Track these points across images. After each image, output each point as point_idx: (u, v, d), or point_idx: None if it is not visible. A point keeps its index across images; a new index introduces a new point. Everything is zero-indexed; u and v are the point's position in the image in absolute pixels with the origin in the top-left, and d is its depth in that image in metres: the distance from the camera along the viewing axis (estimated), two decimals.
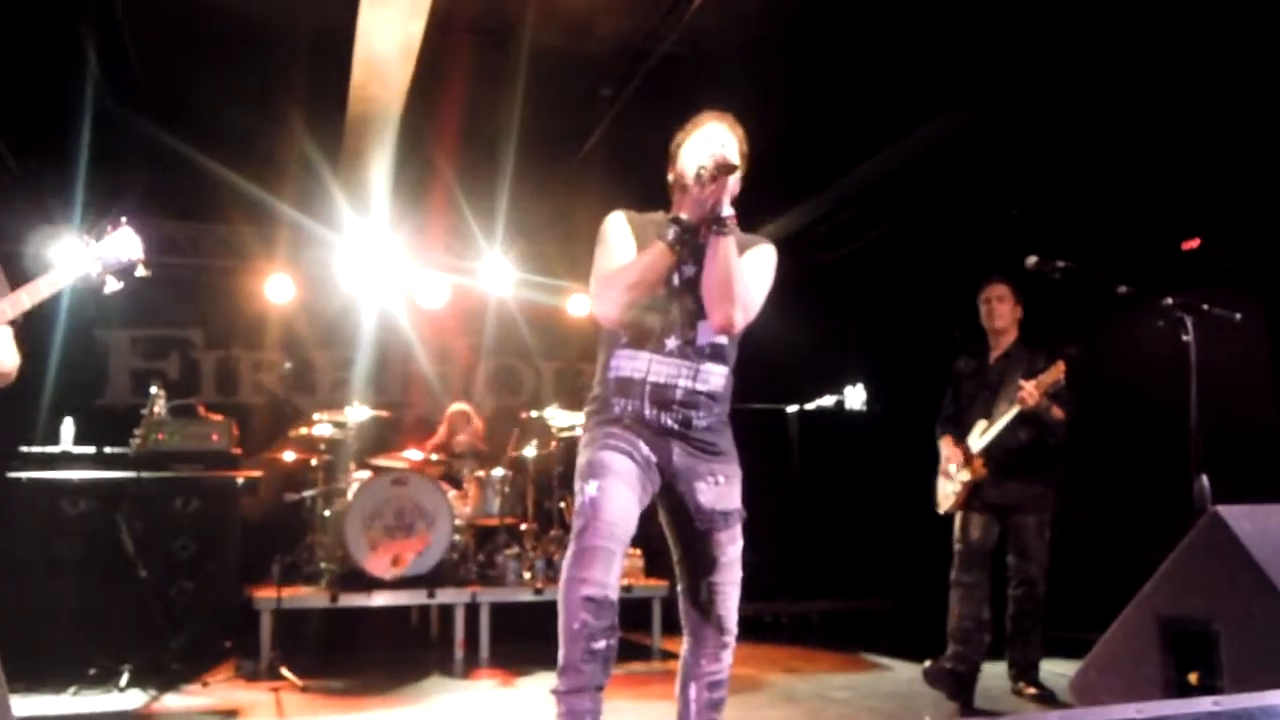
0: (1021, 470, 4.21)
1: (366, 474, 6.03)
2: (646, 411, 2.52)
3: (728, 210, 2.49)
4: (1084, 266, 3.72)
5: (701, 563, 2.57)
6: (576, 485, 2.51)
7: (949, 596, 4.23)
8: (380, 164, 5.66)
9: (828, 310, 7.43)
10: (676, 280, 2.56)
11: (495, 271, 7.13)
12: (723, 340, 2.57)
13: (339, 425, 6.06)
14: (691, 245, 2.53)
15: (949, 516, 4.34)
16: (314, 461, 6.06)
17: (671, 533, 2.66)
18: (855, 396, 7.64)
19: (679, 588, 2.67)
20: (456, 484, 6.20)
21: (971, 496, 4.26)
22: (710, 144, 2.57)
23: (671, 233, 2.47)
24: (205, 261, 6.99)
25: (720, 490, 2.56)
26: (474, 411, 6.69)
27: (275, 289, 7.02)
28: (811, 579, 6.72)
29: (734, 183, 2.53)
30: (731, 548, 2.57)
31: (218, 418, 5.50)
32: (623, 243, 2.58)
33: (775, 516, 6.49)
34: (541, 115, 5.44)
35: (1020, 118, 5.26)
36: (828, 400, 7.41)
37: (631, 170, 4.52)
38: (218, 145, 5.60)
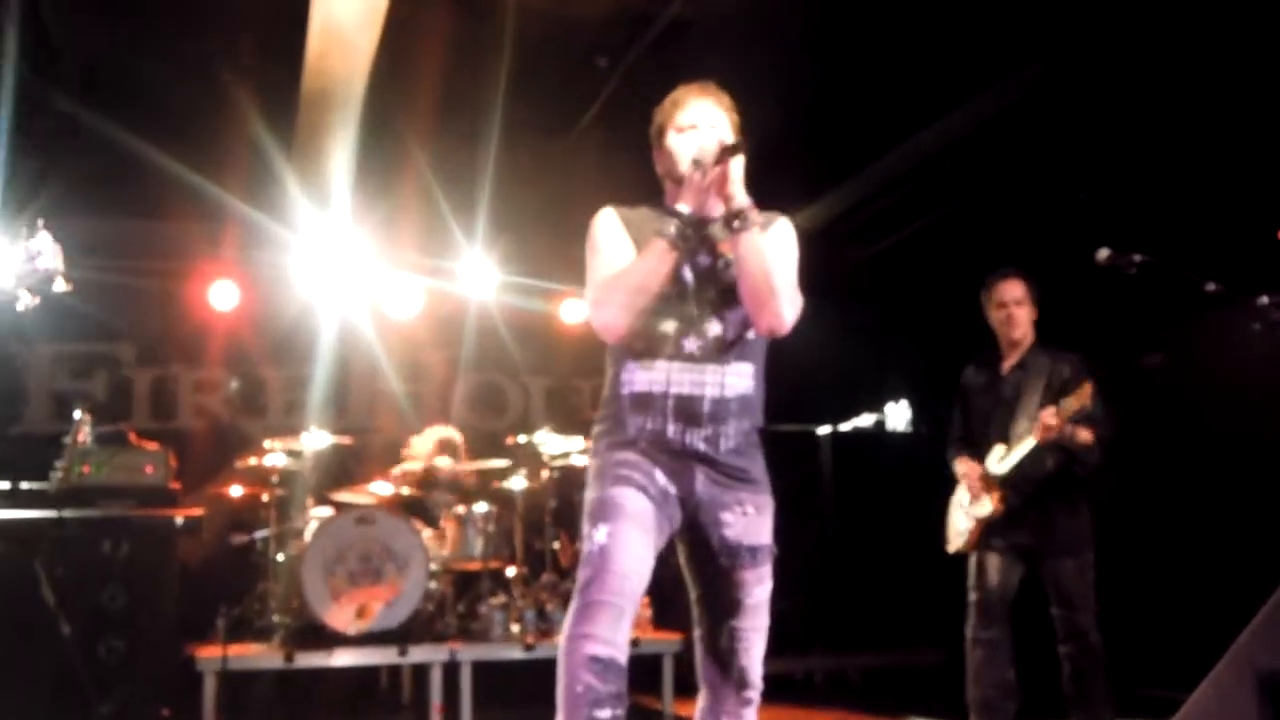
0: (1052, 504, 4.17)
1: (327, 511, 6.03)
2: (669, 430, 2.56)
3: (743, 198, 2.53)
4: (1165, 261, 3.71)
5: (723, 604, 2.60)
6: (584, 528, 2.54)
7: (966, 658, 4.20)
8: (341, 149, 5.68)
9: (864, 314, 7.42)
10: (688, 273, 2.61)
11: (476, 273, 7.14)
12: (750, 334, 2.62)
13: (294, 454, 6.06)
14: (697, 236, 2.59)
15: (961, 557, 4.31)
16: (265, 497, 6.07)
17: (690, 569, 2.69)
18: (898, 415, 7.63)
19: (695, 634, 2.68)
20: (432, 522, 6.20)
21: (988, 534, 4.22)
22: (698, 128, 2.64)
23: (672, 229, 2.52)
24: (138, 264, 6.99)
25: (749, 522, 2.60)
26: (458, 436, 6.66)
27: (219, 296, 7.04)
28: (849, 629, 6.70)
29: (739, 163, 2.56)
30: (758, 588, 2.60)
31: (152, 446, 5.50)
32: (617, 244, 2.64)
33: (806, 556, 6.47)
34: (528, 90, 5.45)
35: (1089, 89, 5.26)
36: (865, 420, 7.42)
37: (633, 152, 4.52)
38: (152, 128, 5.62)
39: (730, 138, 2.59)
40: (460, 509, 6.14)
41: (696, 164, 2.53)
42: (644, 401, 2.58)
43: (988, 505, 4.21)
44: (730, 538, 2.58)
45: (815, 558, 6.67)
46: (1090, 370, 4.19)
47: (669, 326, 2.58)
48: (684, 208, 2.54)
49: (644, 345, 2.59)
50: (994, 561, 4.19)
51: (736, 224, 2.53)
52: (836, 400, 7.36)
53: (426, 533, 5.96)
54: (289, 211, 6.52)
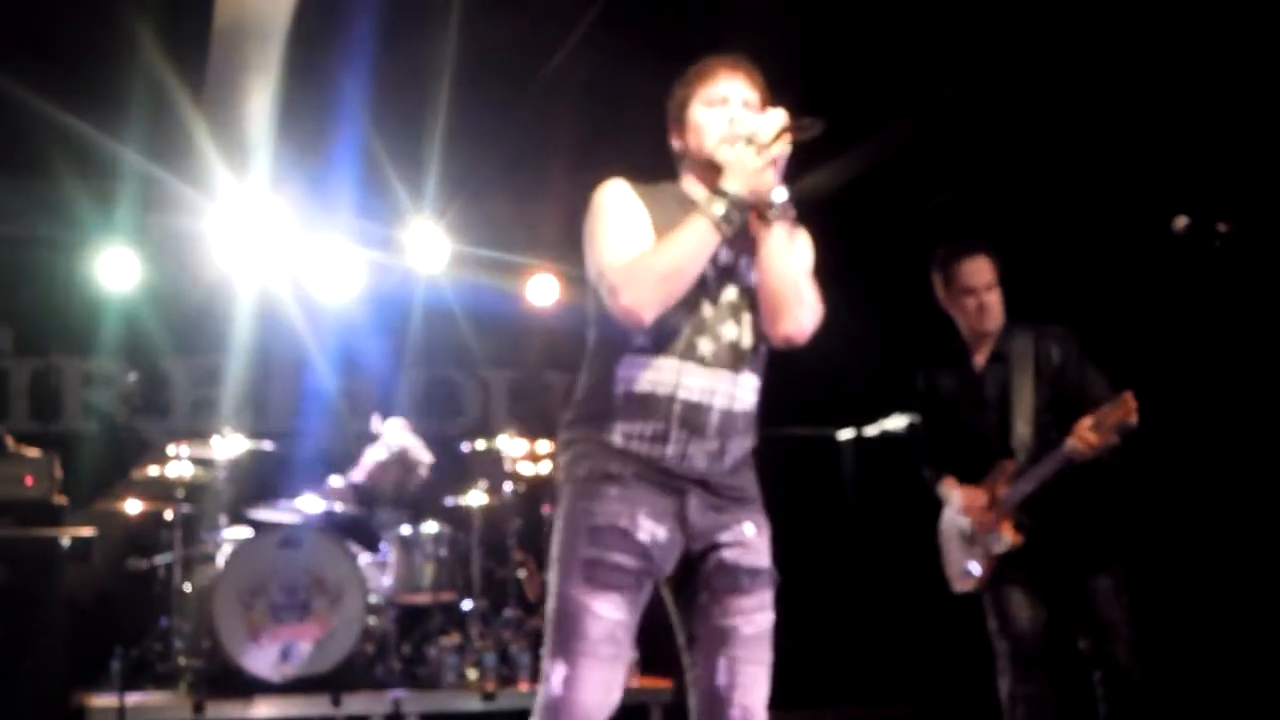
0: (1078, 515, 4.13)
1: (244, 532, 6.04)
2: (670, 441, 2.66)
3: (782, 191, 2.67)
4: (1259, 230, 3.72)
5: (719, 634, 2.69)
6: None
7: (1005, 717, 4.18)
8: (262, 94, 5.66)
9: (892, 298, 7.45)
10: (709, 266, 2.70)
11: (424, 244, 7.14)
12: (764, 343, 2.78)
13: (204, 463, 6.09)
14: (743, 220, 2.69)
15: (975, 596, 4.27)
16: (169, 515, 6.09)
17: (679, 606, 2.77)
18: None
19: (688, 678, 2.74)
20: (372, 545, 6.21)
21: (1006, 566, 4.16)
22: (729, 102, 2.77)
23: (721, 207, 2.61)
24: (13, 231, 6.98)
25: (748, 544, 2.72)
26: (418, 445, 6.63)
27: (113, 271, 7.02)
28: (884, 676, 6.70)
29: (785, 150, 2.66)
30: (759, 616, 2.70)
31: (33, 453, 5.50)
32: (634, 217, 2.73)
33: (822, 585, 6.52)
34: (486, 25, 5.44)
35: (1158, 24, 5.29)
36: (894, 421, 7.45)
37: (617, 100, 4.53)
38: (32, 68, 5.59)
39: (779, 113, 2.67)
40: (406, 529, 6.15)
41: (750, 140, 2.63)
42: (644, 404, 2.66)
43: (1004, 538, 4.13)
44: (728, 560, 2.69)
45: (833, 586, 6.70)
46: (1078, 341, 4.17)
47: (681, 322, 2.68)
48: (733, 188, 2.63)
49: (651, 339, 2.67)
50: (1017, 599, 4.15)
51: (773, 213, 2.66)
52: (859, 398, 7.39)
53: (365, 558, 5.98)
54: (199, 170, 6.47)
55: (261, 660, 5.47)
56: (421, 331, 7.62)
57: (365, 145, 6.33)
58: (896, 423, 7.47)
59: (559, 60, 5.78)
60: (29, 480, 5.37)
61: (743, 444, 2.74)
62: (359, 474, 6.54)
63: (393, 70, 5.89)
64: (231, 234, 6.85)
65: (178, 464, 6.03)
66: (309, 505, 6.22)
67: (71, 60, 5.71)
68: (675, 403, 2.65)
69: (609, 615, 2.58)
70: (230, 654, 5.45)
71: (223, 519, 6.09)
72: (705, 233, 2.61)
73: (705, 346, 2.68)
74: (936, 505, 6.87)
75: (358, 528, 6.33)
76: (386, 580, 6.05)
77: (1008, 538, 4.14)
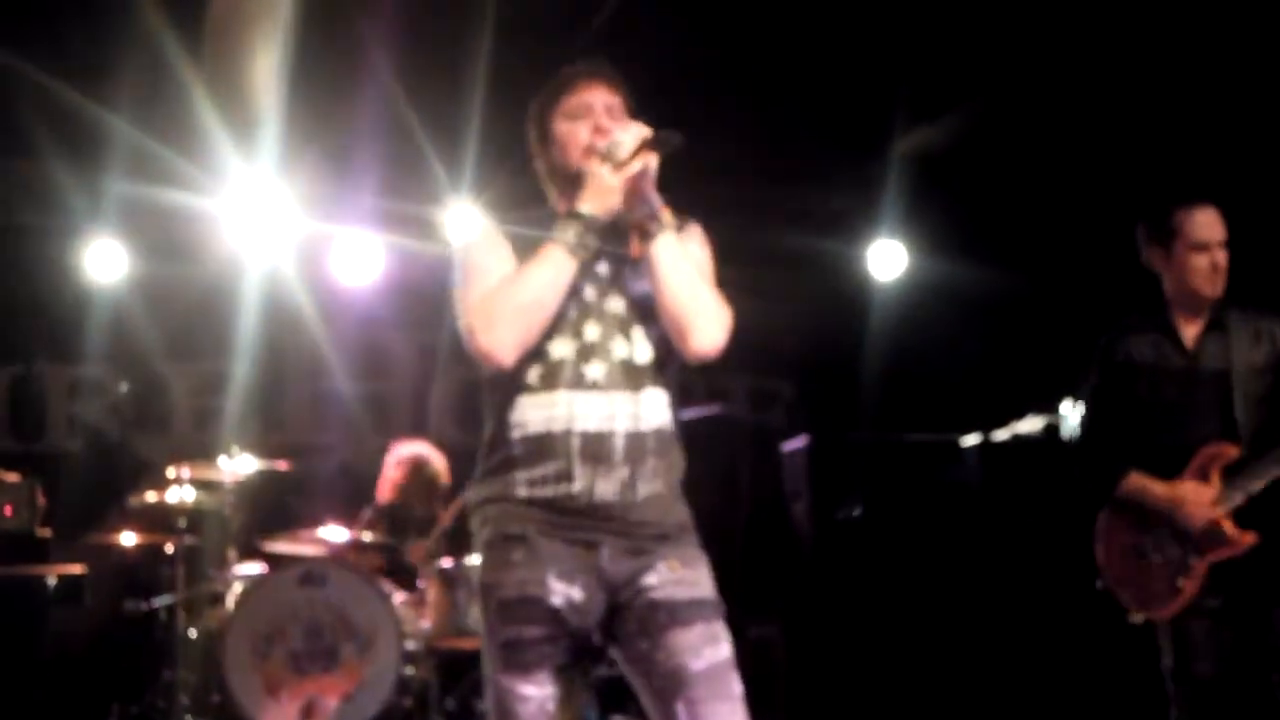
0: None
1: (257, 568, 6.10)
2: (575, 478, 2.82)
3: (657, 201, 2.91)
4: None
5: (669, 679, 2.83)
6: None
7: None
8: (274, 57, 5.74)
9: (1023, 278, 7.42)
10: (587, 286, 2.94)
11: (462, 226, 7.16)
12: (665, 355, 2.96)
13: (209, 487, 6.13)
14: (600, 241, 2.92)
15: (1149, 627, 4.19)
16: (170, 548, 6.13)
17: (624, 658, 2.93)
18: (1077, 414, 7.63)
19: None
20: (408, 582, 6.25)
21: (1201, 592, 4.06)
22: (593, 113, 2.99)
23: (571, 233, 2.85)
24: None
25: (678, 577, 2.87)
26: (437, 457, 6.74)
27: (102, 262, 7.11)
28: (1015, 708, 6.67)
29: (653, 164, 2.89)
30: (709, 649, 2.83)
31: (12, 477, 5.58)
32: (493, 256, 2.97)
33: (946, 611, 6.56)
34: None
35: None
36: (1030, 424, 7.41)
37: (666, 57, 4.57)
38: (8, 32, 5.65)
39: (639, 128, 2.88)
40: (447, 562, 6.18)
41: (606, 157, 2.85)
42: (542, 446, 2.84)
43: (1230, 541, 4.01)
44: (659, 598, 2.84)
45: (956, 611, 6.68)
46: None
47: (565, 350, 2.88)
48: (586, 209, 2.86)
49: (537, 376, 2.87)
50: (1203, 631, 4.06)
51: (652, 228, 2.88)
52: (987, 398, 7.37)
53: (400, 597, 6.02)
54: (200, 144, 6.53)
55: (280, 717, 5.51)
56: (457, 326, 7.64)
57: (392, 113, 6.36)
58: (1030, 425, 7.43)
59: (604, 15, 5.82)
60: (8, 510, 5.42)
61: (659, 468, 2.90)
62: (383, 497, 6.60)
63: (425, 25, 5.94)
64: (238, 217, 6.93)
65: (179, 488, 6.05)
66: (333, 535, 6.24)
67: (54, 20, 5.77)
68: (573, 436, 2.82)
69: (535, 693, 2.81)
70: (244, 711, 5.48)
71: (232, 553, 6.12)
72: (558, 261, 2.84)
73: (595, 370, 2.86)
74: (1080, 521, 6.86)
75: (391, 561, 6.36)
76: (425, 623, 6.06)
77: (1235, 540, 4.02)
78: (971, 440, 7.28)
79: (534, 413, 2.84)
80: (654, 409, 2.91)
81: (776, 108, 6.82)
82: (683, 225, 3.02)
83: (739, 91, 6.65)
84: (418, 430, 7.27)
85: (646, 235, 2.87)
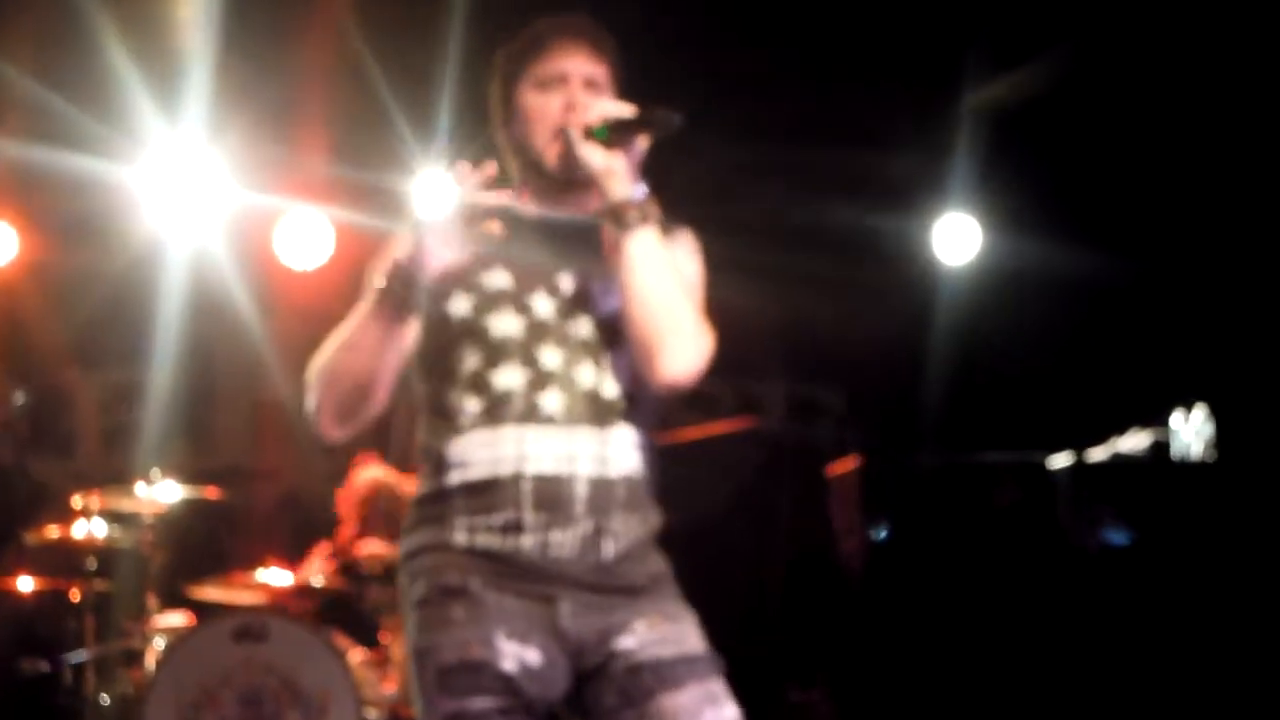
0: None
1: (182, 619, 6.10)
2: (525, 532, 2.79)
3: (636, 189, 2.88)
4: None
5: None
6: None
7: None
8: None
9: (1121, 259, 7.43)
10: (543, 301, 2.90)
11: (434, 198, 7.18)
12: (638, 387, 2.91)
13: (123, 520, 6.14)
14: (564, 248, 2.95)
15: None
16: (76, 595, 6.13)
17: None
18: (1190, 430, 7.64)
19: None
20: (368, 636, 6.27)
21: None
22: (569, 82, 2.97)
23: (384, 275, 2.86)
24: None
25: (663, 633, 2.84)
26: (404, 484, 6.76)
27: None
28: None
29: (641, 147, 2.90)
30: (710, 712, 2.82)
31: None
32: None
33: (1033, 688, 6.55)
34: None
35: None
36: (1134, 441, 7.43)
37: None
38: None
39: (620, 105, 2.89)
40: None
41: (586, 135, 2.84)
42: (484, 493, 2.80)
43: None
44: (643, 659, 2.80)
45: (1046, 692, 6.71)
46: None
47: (514, 379, 2.84)
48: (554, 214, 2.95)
49: (479, 408, 2.84)
50: None
51: (630, 217, 2.84)
52: (1081, 409, 7.38)
53: (358, 655, 6.04)
54: (112, 99, 6.53)
55: None
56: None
57: (347, 61, 6.38)
58: (1135, 443, 7.45)
59: None
60: None
61: (628, 520, 2.86)
62: (338, 532, 6.62)
63: None
64: (158, 189, 6.92)
65: (86, 522, 6.05)
66: (276, 579, 6.25)
67: None
68: (524, 480, 2.78)
69: None
70: None
71: (152, 601, 6.10)
72: (368, 316, 2.89)
73: (552, 402, 2.82)
74: (1197, 557, 6.86)
75: (345, 610, 6.38)
76: (388, 686, 6.10)
77: None
78: (1061, 461, 7.28)
79: (475, 451, 2.82)
80: (624, 452, 2.88)
81: (820, 50, 6.80)
82: (670, 230, 2.99)
83: (773, 30, 6.61)
84: (381, 450, 7.28)
85: (622, 225, 2.83)
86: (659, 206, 2.87)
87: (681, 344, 2.82)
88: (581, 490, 2.80)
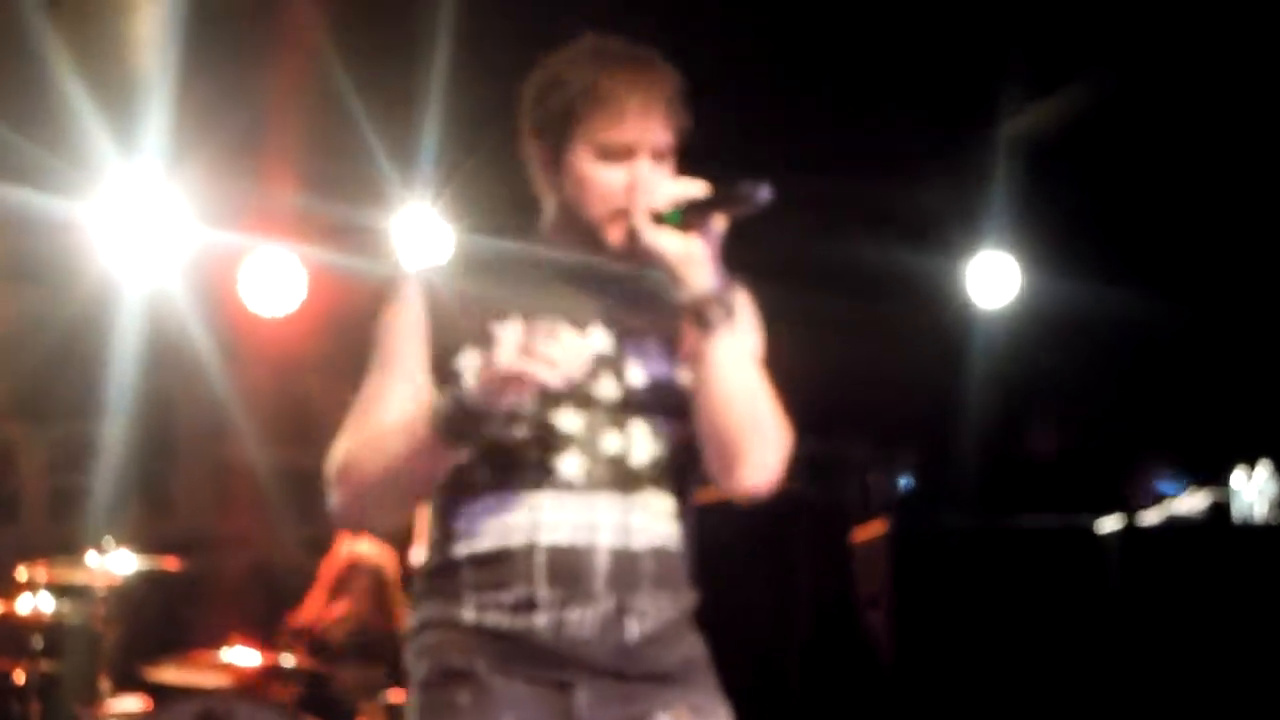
0: None
1: (138, 703, 6.08)
2: (538, 615, 2.71)
3: (716, 279, 2.74)
4: None
5: None
6: None
7: None
8: (156, 16, 5.80)
9: (1172, 302, 7.44)
10: (569, 351, 2.70)
11: (417, 237, 7.21)
12: (672, 454, 2.84)
13: (73, 593, 6.15)
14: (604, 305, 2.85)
15: None
16: (20, 677, 6.11)
17: None
18: (1253, 490, 7.63)
19: None
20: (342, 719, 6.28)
21: None
22: (636, 155, 2.81)
23: (453, 404, 2.64)
24: None
25: None
26: (388, 557, 6.75)
27: None
28: None
29: (720, 229, 2.77)
30: None
31: None
32: (406, 353, 2.86)
33: None
34: None
35: None
36: (1192, 502, 7.43)
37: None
38: None
39: (693, 184, 2.75)
40: (391, 696, 6.20)
41: (658, 220, 2.71)
42: (497, 565, 2.73)
43: None
44: None
45: None
46: None
47: (527, 443, 2.75)
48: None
49: (489, 469, 2.76)
50: None
51: (714, 315, 2.71)
52: (1131, 467, 7.39)
53: None
54: (64, 130, 6.53)
55: None
56: None
57: (321, 88, 6.41)
58: (1191, 504, 7.44)
59: None
60: None
61: (656, 599, 2.79)
62: (313, 608, 6.62)
63: None
64: (113, 226, 6.93)
65: (32, 596, 6.04)
66: (242, 658, 6.23)
67: None
68: (536, 551, 2.71)
69: None
70: None
71: (105, 683, 6.08)
72: (405, 422, 2.73)
73: (569, 467, 2.74)
74: (1263, 632, 6.83)
75: (319, 694, 6.38)
76: None
77: None
78: (1110, 525, 7.28)
79: (485, 521, 2.76)
80: (653, 519, 2.80)
81: (842, 74, 6.80)
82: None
83: (790, 55, 6.62)
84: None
85: (705, 324, 2.70)
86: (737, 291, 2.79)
87: (764, 452, 2.77)
88: (602, 563, 2.72)
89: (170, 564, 6.44)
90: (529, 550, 2.70)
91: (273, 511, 7.67)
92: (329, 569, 6.71)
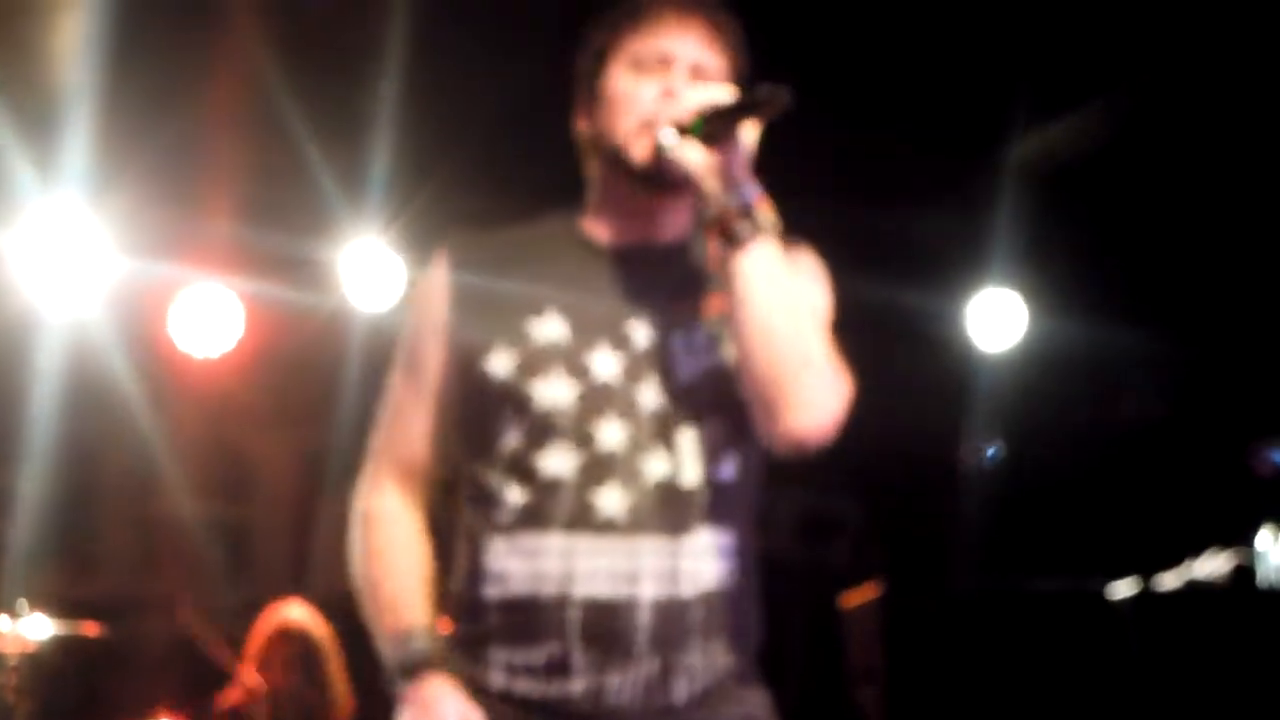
0: None
1: None
2: (574, 680, 2.66)
3: (746, 191, 2.69)
4: None
5: None
6: None
7: None
8: (77, 29, 5.83)
9: (1195, 345, 7.48)
10: (606, 349, 2.76)
11: (366, 271, 7.28)
12: (731, 469, 2.81)
13: None
14: (640, 287, 2.83)
15: None
16: None
17: None
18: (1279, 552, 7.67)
19: None
20: None
21: None
22: (672, 67, 2.83)
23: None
24: None
25: None
26: (319, 625, 6.77)
27: None
28: None
29: (750, 138, 2.72)
30: None
31: None
32: (434, 353, 2.89)
33: None
34: None
35: None
36: (1211, 564, 7.47)
37: None
38: None
39: (715, 89, 2.74)
40: None
41: (664, 148, 2.70)
42: (526, 615, 2.69)
43: None
44: None
45: None
46: None
47: (563, 464, 2.70)
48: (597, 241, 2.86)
49: (519, 502, 2.72)
50: None
51: (740, 228, 2.65)
52: (1147, 526, 7.43)
53: None
54: None
55: None
56: (359, 411, 7.61)
57: (260, 108, 6.44)
58: (1212, 567, 7.48)
59: None
60: None
61: (707, 653, 2.73)
62: (243, 684, 6.63)
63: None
64: (30, 260, 6.91)
65: None
66: None
67: None
68: (571, 606, 2.64)
69: None
70: None
71: None
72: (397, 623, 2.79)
73: (610, 501, 2.67)
74: None
75: None
76: None
77: None
78: (1126, 589, 7.31)
79: (516, 563, 2.69)
80: (705, 561, 2.72)
81: (833, 96, 6.81)
82: (790, 246, 2.80)
83: (792, 75, 6.58)
84: (297, 576, 7.28)
85: (730, 239, 2.64)
86: (779, 213, 2.70)
87: (813, 386, 2.64)
88: (644, 619, 2.65)
89: (90, 629, 6.41)
90: (561, 603, 2.64)
91: (205, 572, 7.66)
92: (255, 639, 6.71)
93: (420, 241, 7.26)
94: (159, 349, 7.43)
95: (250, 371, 7.64)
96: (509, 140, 6.44)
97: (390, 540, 2.86)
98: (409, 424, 2.88)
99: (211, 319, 7.42)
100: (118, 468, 7.71)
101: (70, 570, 7.49)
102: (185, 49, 6.30)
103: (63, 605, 6.37)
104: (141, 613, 7.49)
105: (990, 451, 7.02)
